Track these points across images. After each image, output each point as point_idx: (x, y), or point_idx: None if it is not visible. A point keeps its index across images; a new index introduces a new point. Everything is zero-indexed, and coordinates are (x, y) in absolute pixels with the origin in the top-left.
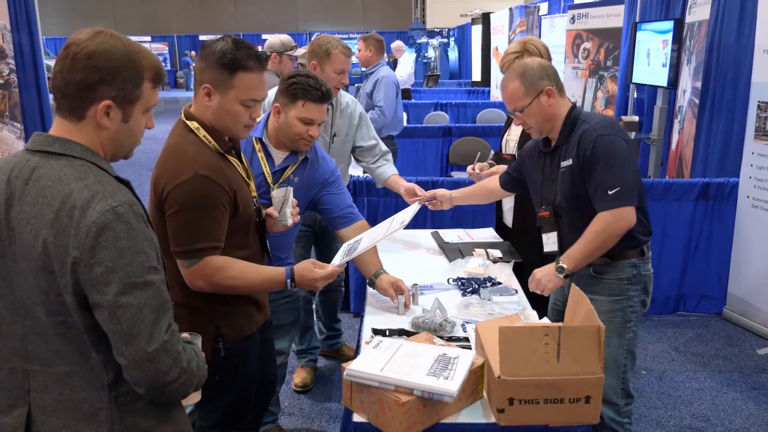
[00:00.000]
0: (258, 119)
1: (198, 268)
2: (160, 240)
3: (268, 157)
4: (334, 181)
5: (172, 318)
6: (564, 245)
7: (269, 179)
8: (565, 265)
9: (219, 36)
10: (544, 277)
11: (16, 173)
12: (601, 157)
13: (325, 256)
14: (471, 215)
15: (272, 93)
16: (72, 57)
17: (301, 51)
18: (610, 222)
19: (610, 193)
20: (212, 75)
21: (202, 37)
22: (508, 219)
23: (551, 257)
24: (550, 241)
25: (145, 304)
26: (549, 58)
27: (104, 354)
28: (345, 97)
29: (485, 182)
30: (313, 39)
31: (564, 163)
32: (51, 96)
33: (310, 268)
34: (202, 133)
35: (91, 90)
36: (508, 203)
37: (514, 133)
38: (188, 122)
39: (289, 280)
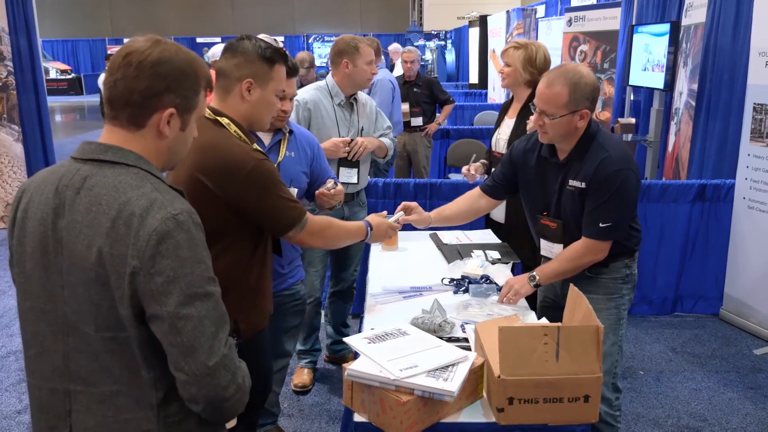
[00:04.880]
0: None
1: (308, 227)
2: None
3: (258, 141)
4: (319, 152)
5: (229, 331)
6: None
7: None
8: (538, 277)
9: (218, 38)
10: (518, 285)
11: (66, 182)
12: (611, 190)
13: (342, 258)
14: None
15: None
16: (136, 65)
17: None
18: (584, 254)
19: (601, 225)
20: (253, 69)
21: (199, 40)
22: (497, 214)
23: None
24: (553, 251)
25: (206, 315)
26: (546, 69)
27: (155, 371)
28: (361, 95)
29: (471, 202)
30: (334, 44)
31: (574, 182)
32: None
33: (385, 221)
34: (232, 128)
35: (155, 98)
36: None
37: (503, 132)
38: (219, 119)
39: (369, 230)
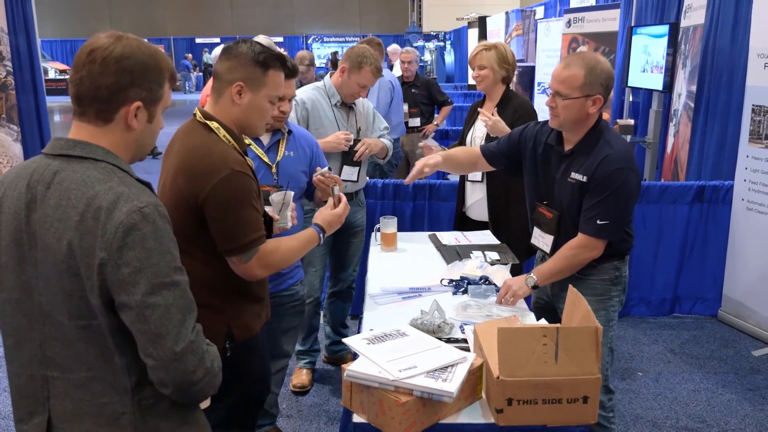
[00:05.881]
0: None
1: (256, 259)
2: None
3: (257, 141)
4: (318, 151)
5: (196, 318)
6: (557, 248)
7: (265, 158)
8: (535, 278)
9: (218, 38)
10: (515, 286)
11: (37, 177)
12: (612, 188)
13: (341, 258)
14: None
15: None
16: (101, 61)
17: None
18: (580, 251)
19: (598, 222)
20: (245, 73)
21: (198, 40)
22: (475, 212)
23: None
24: (543, 241)
25: (173, 304)
26: (515, 65)
27: (128, 357)
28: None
29: (473, 159)
30: (350, 48)
31: (576, 176)
32: (63, 101)
33: (329, 212)
34: (222, 133)
35: (122, 92)
36: (475, 196)
37: (479, 131)
38: (209, 122)
39: (321, 235)
